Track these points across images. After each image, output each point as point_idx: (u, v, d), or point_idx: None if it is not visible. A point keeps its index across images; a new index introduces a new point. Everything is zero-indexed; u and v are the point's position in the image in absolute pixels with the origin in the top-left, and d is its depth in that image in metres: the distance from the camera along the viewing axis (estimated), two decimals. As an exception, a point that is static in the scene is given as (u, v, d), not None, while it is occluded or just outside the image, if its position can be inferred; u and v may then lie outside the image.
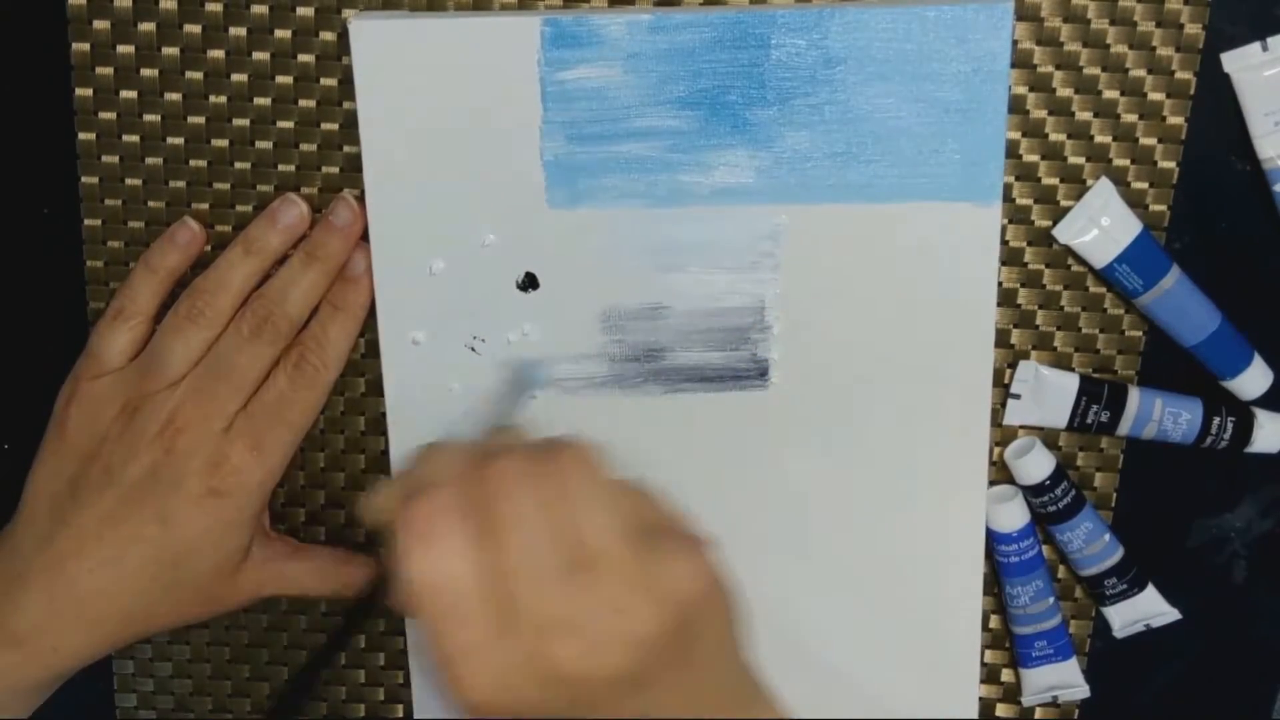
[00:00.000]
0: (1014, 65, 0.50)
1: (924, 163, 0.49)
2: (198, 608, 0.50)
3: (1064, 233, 0.51)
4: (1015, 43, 0.50)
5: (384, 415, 0.53)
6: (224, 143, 0.51)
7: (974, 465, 0.53)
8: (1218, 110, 0.51)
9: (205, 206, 0.52)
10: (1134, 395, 0.52)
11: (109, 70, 0.50)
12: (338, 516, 0.55)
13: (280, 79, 0.51)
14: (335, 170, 0.51)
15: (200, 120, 0.51)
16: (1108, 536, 0.54)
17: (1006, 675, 0.57)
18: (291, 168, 0.51)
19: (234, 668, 0.57)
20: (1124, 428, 0.53)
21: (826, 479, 0.53)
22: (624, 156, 0.49)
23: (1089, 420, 0.53)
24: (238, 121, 0.51)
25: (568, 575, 0.36)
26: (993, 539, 0.54)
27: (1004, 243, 0.52)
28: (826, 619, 0.55)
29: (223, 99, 0.51)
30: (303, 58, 0.50)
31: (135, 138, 0.51)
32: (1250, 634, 0.57)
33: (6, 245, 0.53)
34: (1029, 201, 0.52)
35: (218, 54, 0.50)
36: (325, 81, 0.51)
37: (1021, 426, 0.54)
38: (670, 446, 0.53)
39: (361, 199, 0.50)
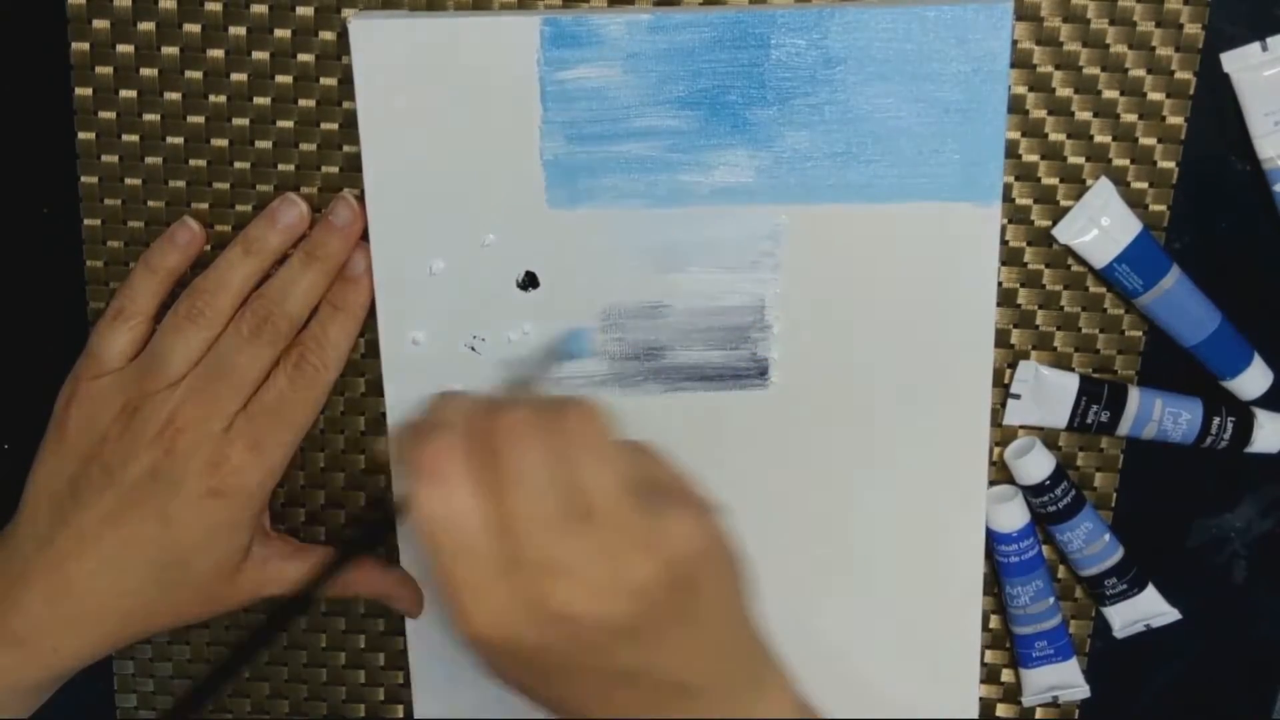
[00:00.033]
0: (1014, 65, 0.50)
1: (924, 163, 0.49)
2: (198, 608, 0.50)
3: (1064, 233, 0.51)
4: (1015, 43, 0.50)
5: (384, 415, 0.53)
6: (224, 142, 0.51)
7: (974, 465, 0.53)
8: (1218, 110, 0.51)
9: (205, 206, 0.52)
10: (1134, 395, 0.52)
11: (109, 70, 0.50)
12: (338, 516, 0.55)
13: (280, 79, 0.51)
14: (335, 170, 0.51)
15: (200, 120, 0.51)
16: (1108, 536, 0.54)
17: (1007, 675, 0.57)
18: (291, 168, 0.51)
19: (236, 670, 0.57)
20: (1124, 428, 0.53)
21: (826, 478, 0.53)
22: (624, 156, 0.49)
23: (1089, 420, 0.53)
24: (238, 121, 0.51)
25: (569, 522, 0.37)
26: (993, 539, 0.54)
27: (1004, 243, 0.52)
28: (826, 619, 0.55)
29: (222, 99, 0.51)
30: (302, 57, 0.50)
31: (135, 137, 0.51)
32: (1250, 634, 0.57)
33: (6, 245, 0.53)
34: (1029, 201, 0.52)
35: (217, 54, 0.50)
36: (325, 81, 0.51)
37: (1021, 426, 0.54)
38: (670, 445, 0.52)
39: (361, 199, 0.50)
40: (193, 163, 0.51)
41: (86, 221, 0.52)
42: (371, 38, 0.48)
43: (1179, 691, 0.58)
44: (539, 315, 0.51)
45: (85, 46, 0.50)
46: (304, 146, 0.51)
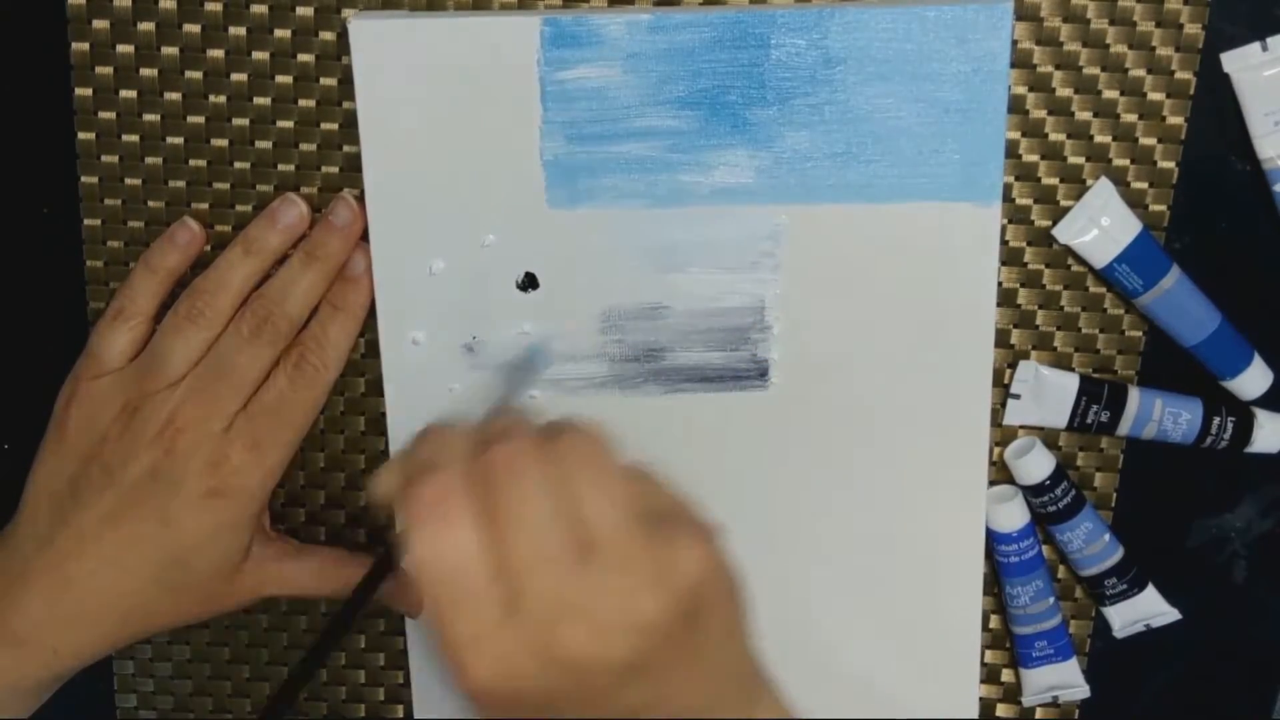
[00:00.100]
0: (1014, 65, 0.50)
1: (924, 163, 0.49)
2: (198, 608, 0.50)
3: (1064, 233, 0.51)
4: (1015, 43, 0.50)
5: (384, 415, 0.53)
6: (224, 142, 0.51)
7: (974, 465, 0.53)
8: (1218, 110, 0.51)
9: (205, 206, 0.52)
10: (1134, 395, 0.52)
11: (109, 70, 0.50)
12: (338, 516, 0.55)
13: (280, 79, 0.51)
14: (335, 170, 0.51)
15: (200, 120, 0.51)
16: (1108, 536, 0.54)
17: (1007, 675, 0.57)
18: (291, 168, 0.51)
19: (234, 668, 0.57)
20: (1124, 428, 0.53)
21: (826, 479, 0.53)
22: (624, 156, 0.49)
23: (1089, 420, 0.53)
24: (238, 121, 0.51)
25: (573, 561, 0.36)
26: (993, 539, 0.54)
27: (1004, 243, 0.52)
28: (826, 619, 0.55)
29: (222, 99, 0.51)
30: (303, 57, 0.50)
31: (135, 137, 0.51)
32: (1250, 634, 0.57)
33: (6, 245, 0.53)
34: (1029, 201, 0.52)
35: (217, 54, 0.50)
36: (325, 81, 0.50)
37: (1021, 426, 0.54)
38: (670, 447, 0.53)
39: (361, 199, 0.50)
40: (193, 163, 0.51)
41: (86, 221, 0.52)
42: (371, 38, 0.48)
43: (1179, 691, 0.58)
44: (539, 315, 0.51)
45: (85, 46, 0.50)
46: (304, 146, 0.51)
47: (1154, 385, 0.53)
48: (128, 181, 0.52)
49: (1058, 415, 0.53)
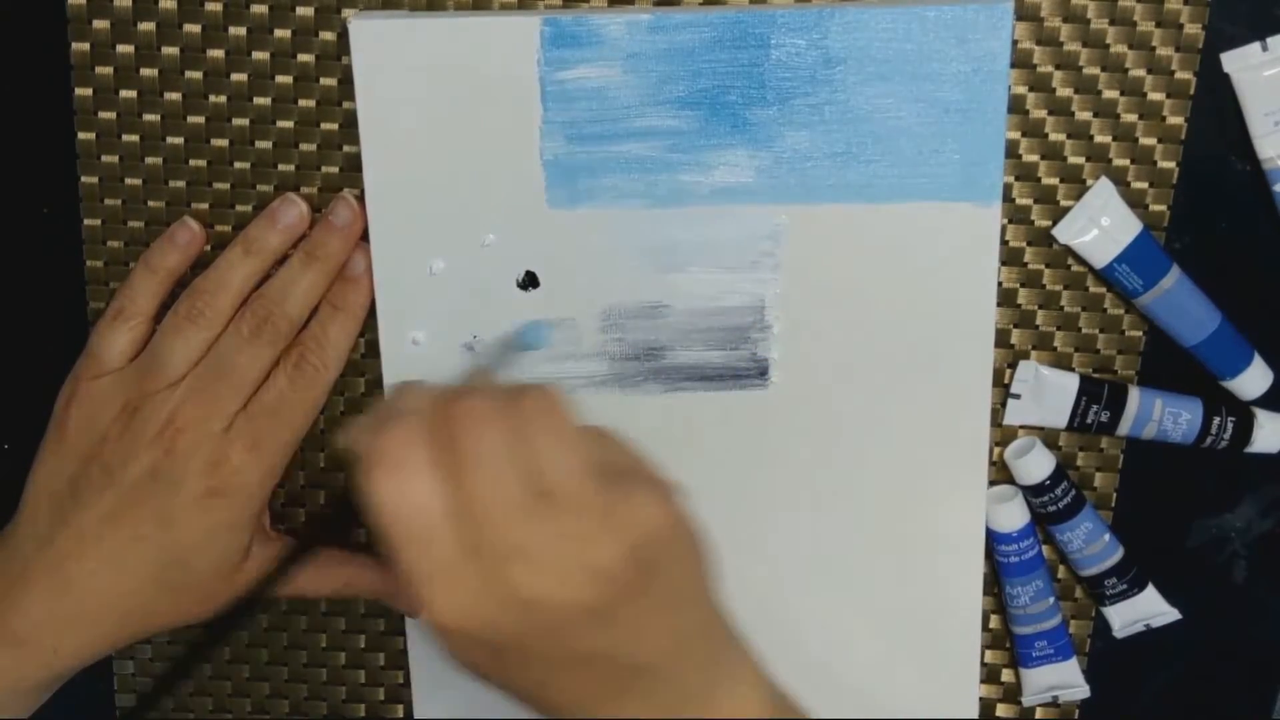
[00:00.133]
0: (1014, 65, 0.50)
1: (924, 163, 0.49)
2: (198, 608, 0.50)
3: (1064, 233, 0.51)
4: (1015, 43, 0.50)
5: (384, 415, 0.53)
6: (224, 142, 0.51)
7: (974, 465, 0.53)
8: (1218, 110, 0.51)
9: (205, 206, 0.52)
10: (1134, 395, 0.52)
11: (109, 70, 0.50)
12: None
13: (280, 79, 0.51)
14: (335, 170, 0.51)
15: (200, 120, 0.51)
16: (1108, 536, 0.54)
17: (1007, 675, 0.57)
18: (291, 168, 0.51)
19: (234, 668, 0.57)
20: (1124, 428, 0.53)
21: (826, 479, 0.53)
22: (624, 156, 0.49)
23: (1089, 420, 0.53)
24: (238, 121, 0.51)
25: (529, 506, 0.37)
26: (993, 539, 0.54)
27: (1004, 243, 0.52)
28: (826, 619, 0.55)
29: (223, 99, 0.51)
30: (303, 57, 0.50)
31: (135, 137, 0.51)
32: (1250, 634, 0.57)
33: (6, 245, 0.53)
34: (1029, 201, 0.52)
35: (217, 54, 0.50)
36: (325, 81, 0.51)
37: (1021, 426, 0.54)
38: (670, 446, 0.52)
39: (361, 199, 0.50)
40: (193, 163, 0.51)
41: (86, 221, 0.52)
42: (371, 38, 0.48)
43: (1179, 691, 0.58)
44: (539, 315, 0.51)
45: (85, 46, 0.50)
46: (304, 146, 0.51)
47: (1154, 385, 0.53)
48: (128, 181, 0.52)
49: (1058, 415, 0.53)
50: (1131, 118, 0.51)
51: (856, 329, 0.51)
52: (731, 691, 0.41)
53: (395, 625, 0.56)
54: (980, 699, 0.57)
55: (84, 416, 0.49)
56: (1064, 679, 0.56)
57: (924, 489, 0.53)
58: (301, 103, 0.51)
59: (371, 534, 0.38)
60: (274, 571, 0.45)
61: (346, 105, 0.50)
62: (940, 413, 0.52)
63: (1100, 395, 0.52)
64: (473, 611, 0.37)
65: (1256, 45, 0.50)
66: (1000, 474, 0.55)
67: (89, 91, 0.51)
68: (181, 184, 0.52)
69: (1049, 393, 0.53)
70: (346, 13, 0.50)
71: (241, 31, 0.50)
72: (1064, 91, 0.51)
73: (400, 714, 0.58)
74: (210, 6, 0.50)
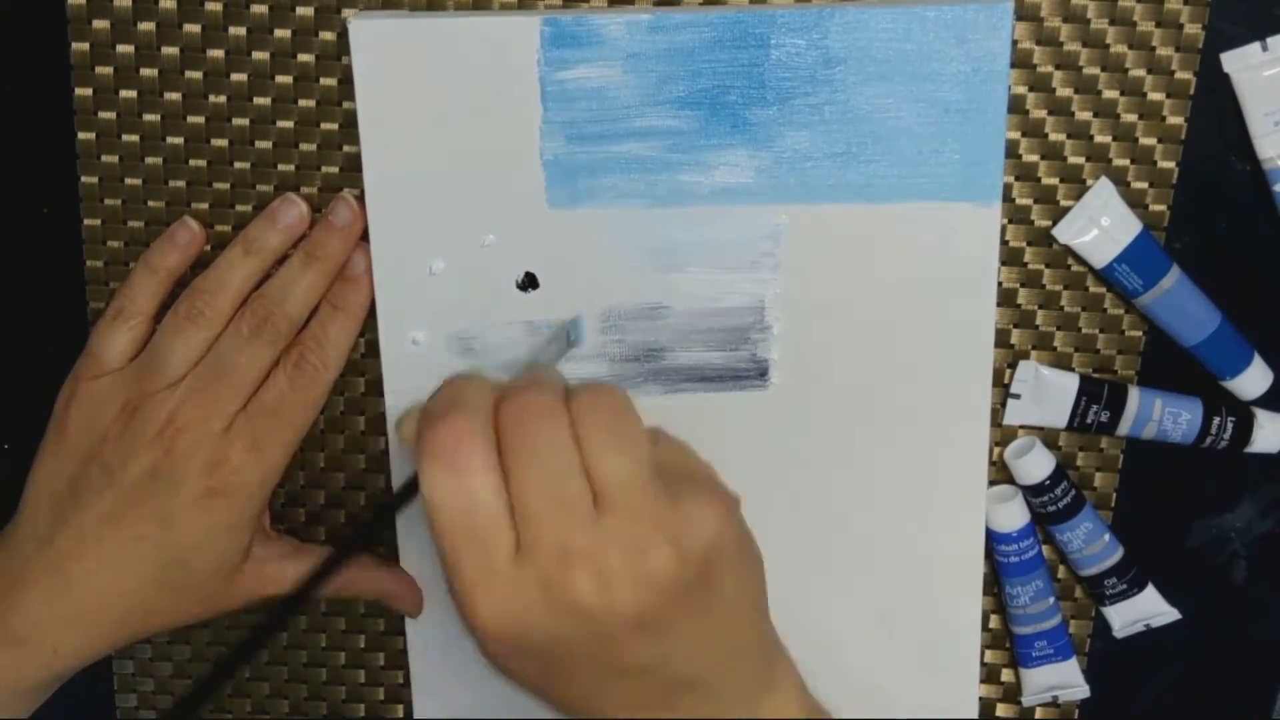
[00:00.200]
0: (1014, 65, 0.50)
1: (924, 163, 0.49)
2: (197, 608, 0.50)
3: (1064, 233, 0.51)
4: (1015, 43, 0.50)
5: (384, 415, 0.53)
6: (224, 142, 0.51)
7: (974, 465, 0.53)
8: (1218, 110, 0.51)
9: (205, 206, 0.52)
10: (1134, 395, 0.52)
11: (109, 70, 0.50)
12: (338, 516, 0.55)
13: (280, 79, 0.51)
14: (335, 170, 0.51)
15: (200, 120, 0.51)
16: (1107, 536, 0.54)
17: (1006, 675, 0.57)
18: (291, 168, 0.51)
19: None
20: (1124, 428, 0.53)
21: (826, 479, 0.53)
22: (624, 156, 0.49)
23: (1089, 420, 0.53)
24: (238, 121, 0.51)
25: (586, 510, 0.36)
26: (993, 539, 0.54)
27: (1004, 243, 0.52)
28: (826, 619, 0.55)
29: (223, 99, 0.51)
30: (303, 57, 0.50)
31: (135, 137, 0.51)
32: (1250, 634, 0.57)
33: (6, 245, 0.53)
34: (1029, 201, 0.52)
35: (217, 54, 0.50)
36: (325, 81, 0.51)
37: (1021, 426, 0.54)
38: (670, 446, 0.53)
39: (361, 199, 0.50)
40: (193, 163, 0.51)
41: (86, 221, 0.52)
42: (371, 38, 0.48)
43: (1179, 691, 0.58)
44: (539, 315, 0.51)
45: (85, 46, 0.50)
46: (304, 146, 0.51)
47: (1154, 385, 0.53)
48: (128, 181, 0.52)
49: (1058, 415, 0.53)
50: (1131, 118, 0.51)
51: (856, 329, 0.51)
52: (774, 704, 0.41)
53: (395, 625, 0.56)
54: (980, 699, 0.57)
55: (84, 416, 0.49)
56: (1064, 679, 0.56)
57: (924, 489, 0.53)
58: (301, 103, 0.51)
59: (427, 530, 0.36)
60: (318, 574, 0.44)
61: (346, 105, 0.50)
62: (940, 413, 0.52)
63: (1100, 395, 0.52)
64: (518, 614, 0.36)
65: (1256, 45, 0.50)
66: (1000, 474, 0.55)
67: (89, 91, 0.51)
68: (181, 184, 0.52)
69: (1049, 393, 0.53)
70: (346, 13, 0.50)
71: (241, 31, 0.50)
72: (1064, 91, 0.51)
73: (400, 714, 0.58)
74: (210, 6, 0.50)
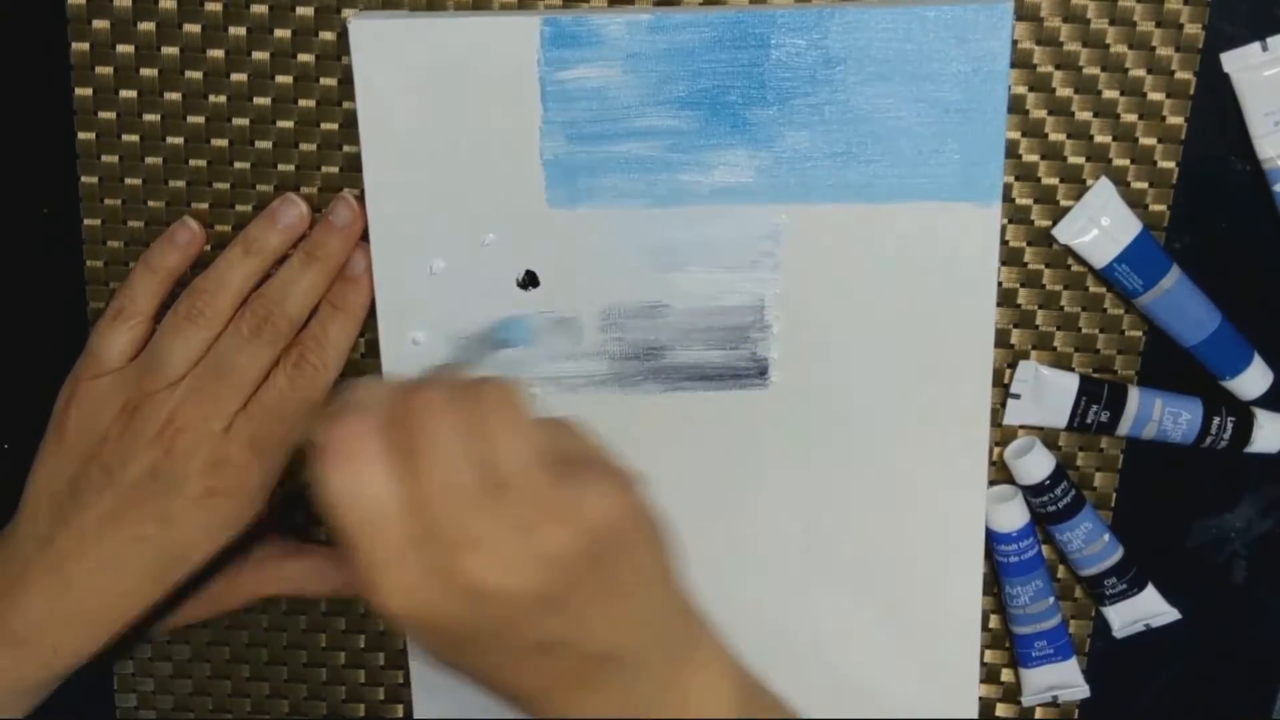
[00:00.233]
0: (1014, 65, 0.50)
1: (924, 163, 0.49)
2: (198, 608, 0.50)
3: (1064, 233, 0.51)
4: (1015, 43, 0.50)
5: (384, 415, 0.53)
6: (224, 142, 0.51)
7: (974, 465, 0.53)
8: (1218, 110, 0.51)
9: (205, 206, 0.52)
10: (1134, 395, 0.52)
11: (109, 70, 0.50)
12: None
13: (280, 79, 0.51)
14: (335, 170, 0.51)
15: (200, 120, 0.51)
16: (1107, 536, 0.54)
17: (1006, 675, 0.57)
18: (291, 168, 0.51)
19: (234, 668, 0.57)
20: (1124, 428, 0.53)
21: (826, 478, 0.53)
22: (624, 156, 0.49)
23: (1089, 420, 0.53)
24: (238, 121, 0.51)
25: (482, 495, 0.37)
26: (993, 539, 0.54)
27: (1004, 243, 0.52)
28: (826, 619, 0.55)
29: (223, 99, 0.51)
30: (303, 58, 0.50)
31: (135, 137, 0.51)
32: (1250, 634, 0.57)
33: (6, 245, 0.53)
34: (1029, 201, 0.52)
35: (217, 54, 0.50)
36: (325, 81, 0.51)
37: (1021, 426, 0.54)
38: (670, 445, 0.53)
39: (361, 199, 0.50)
40: (193, 163, 0.51)
41: (86, 221, 0.52)
42: (371, 38, 0.48)
43: (1179, 691, 0.58)
44: (540, 314, 0.51)
45: (85, 46, 0.50)
46: (304, 146, 0.51)
47: (1154, 385, 0.53)
48: (128, 181, 0.52)
49: (1058, 415, 0.53)
50: (1131, 118, 0.51)
51: (856, 329, 0.51)
52: (698, 675, 0.42)
53: (395, 625, 0.56)
54: (980, 699, 0.57)
55: (84, 416, 0.49)
56: (1064, 679, 0.56)
57: (924, 489, 0.53)
58: (301, 103, 0.51)
59: (326, 527, 0.37)
60: (202, 570, 0.44)
61: (346, 105, 0.50)
62: (940, 413, 0.52)
63: (1100, 395, 0.52)
64: (423, 600, 0.37)
65: (1256, 45, 0.50)
66: (1000, 474, 0.55)
67: (89, 91, 0.51)
68: (181, 184, 0.52)
69: (1049, 393, 0.53)
70: (346, 13, 0.50)
71: (241, 31, 0.50)
72: (1064, 91, 0.51)
73: (400, 714, 0.58)
74: (210, 6, 0.50)
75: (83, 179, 0.52)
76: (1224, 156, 0.51)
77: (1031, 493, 0.54)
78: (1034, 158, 0.51)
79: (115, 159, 0.51)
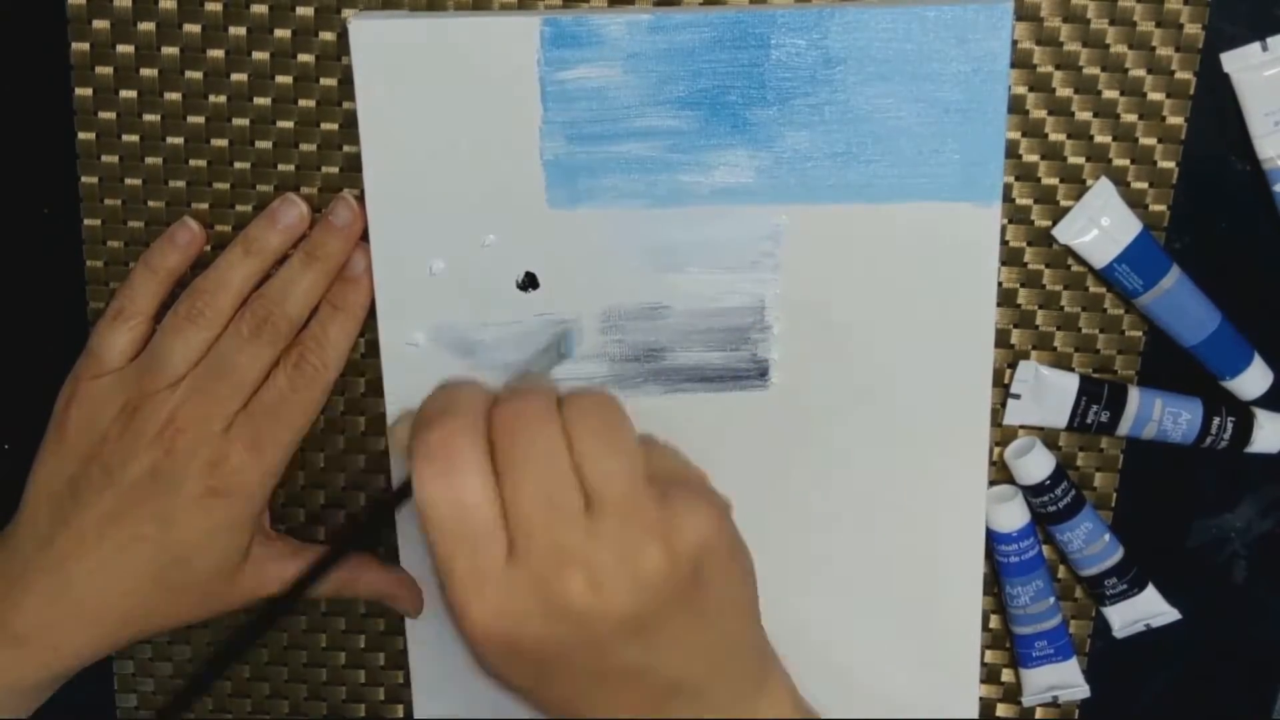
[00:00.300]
0: (1014, 65, 0.50)
1: (924, 163, 0.49)
2: (198, 608, 0.50)
3: (1064, 233, 0.51)
4: (1015, 43, 0.50)
5: (384, 415, 0.53)
6: (224, 143, 0.51)
7: (974, 465, 0.53)
8: (1218, 110, 0.51)
9: (205, 206, 0.52)
10: (1134, 395, 0.52)
11: (109, 70, 0.50)
12: (338, 516, 0.55)
13: (280, 79, 0.51)
14: (335, 170, 0.51)
15: (200, 120, 0.51)
16: (1108, 536, 0.54)
17: (1007, 675, 0.57)
18: (291, 168, 0.51)
19: (234, 668, 0.57)
20: (1124, 428, 0.53)
21: (826, 479, 0.53)
22: (624, 156, 0.49)
23: (1089, 420, 0.53)
24: (238, 121, 0.51)
25: (578, 512, 0.36)
26: (993, 539, 0.54)
27: (1004, 243, 0.52)
28: (827, 619, 0.55)
29: (223, 99, 0.51)
30: (303, 58, 0.50)
31: (135, 138, 0.51)
32: (1250, 634, 0.57)
33: (6, 245, 0.53)
34: (1029, 201, 0.52)
35: (217, 54, 0.50)
36: (325, 81, 0.51)
37: (1021, 426, 0.54)
38: (670, 446, 0.53)
39: (361, 199, 0.50)
40: (193, 163, 0.51)
41: (86, 221, 0.52)
42: (371, 38, 0.48)
43: (1179, 691, 0.58)
44: (539, 316, 0.51)
45: (85, 47, 0.50)
46: (304, 147, 0.51)
47: (1154, 385, 0.53)
48: (128, 181, 0.52)
49: (1058, 415, 0.53)
50: (1131, 118, 0.51)
51: (856, 329, 0.51)
52: (767, 708, 0.41)
53: (395, 625, 0.56)
54: (980, 699, 0.57)
55: (84, 416, 0.49)
56: (1064, 679, 0.56)
57: (924, 489, 0.53)
58: (301, 103, 0.51)
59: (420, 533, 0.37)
60: (312, 572, 0.44)
61: (346, 105, 0.50)
62: (940, 412, 0.52)
63: (1100, 395, 0.52)
64: (510, 616, 0.36)
65: (1256, 45, 0.50)
66: (1000, 474, 0.55)
67: (89, 91, 0.51)
68: (181, 184, 0.52)
69: (1049, 393, 0.53)
70: (346, 13, 0.50)
71: (241, 31, 0.50)
72: (1064, 91, 0.51)
73: (400, 714, 0.58)
74: (210, 6, 0.50)
75: (83, 179, 0.52)
76: (1224, 156, 0.51)
77: (1032, 493, 0.54)
78: (1034, 158, 0.51)
79: (115, 159, 0.51)
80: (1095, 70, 0.50)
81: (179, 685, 0.57)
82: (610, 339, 0.51)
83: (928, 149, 0.49)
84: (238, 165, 0.51)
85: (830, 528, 0.54)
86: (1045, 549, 0.55)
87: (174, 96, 0.51)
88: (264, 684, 0.57)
